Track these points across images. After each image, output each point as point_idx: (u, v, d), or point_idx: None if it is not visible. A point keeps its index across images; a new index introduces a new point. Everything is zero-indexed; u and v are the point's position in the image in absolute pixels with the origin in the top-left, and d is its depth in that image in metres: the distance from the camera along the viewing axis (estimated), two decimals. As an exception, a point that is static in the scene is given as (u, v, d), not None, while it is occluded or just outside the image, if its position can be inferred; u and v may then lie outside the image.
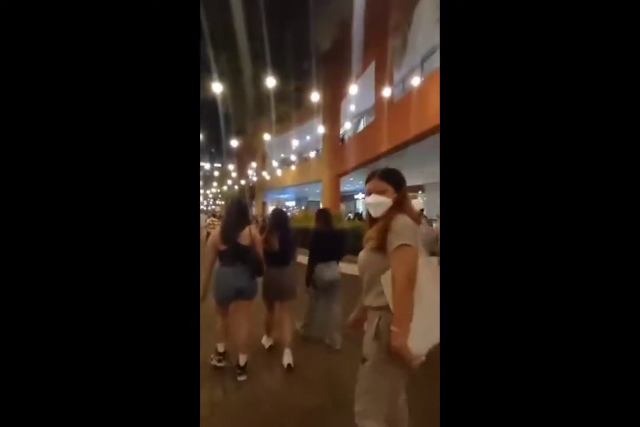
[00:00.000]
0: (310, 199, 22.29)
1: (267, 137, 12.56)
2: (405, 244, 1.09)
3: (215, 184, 23.43)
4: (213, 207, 37.37)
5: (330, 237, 2.81)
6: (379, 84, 8.96)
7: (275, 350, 2.68)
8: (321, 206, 15.99)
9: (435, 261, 1.15)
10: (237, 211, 2.30)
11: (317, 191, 19.47)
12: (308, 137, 16.34)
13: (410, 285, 1.08)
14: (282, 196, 24.70)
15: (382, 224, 1.18)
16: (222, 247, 2.20)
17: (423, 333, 1.07)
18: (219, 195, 28.36)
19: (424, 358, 1.11)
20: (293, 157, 16.47)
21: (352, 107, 11.31)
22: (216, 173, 20.57)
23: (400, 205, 1.21)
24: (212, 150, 22.17)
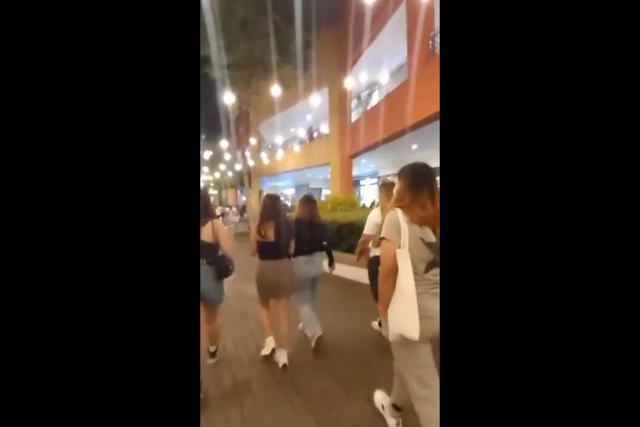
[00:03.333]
0: (312, 185, 20.54)
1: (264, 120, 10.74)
2: (384, 238, 1.29)
3: (206, 169, 21.38)
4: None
5: (315, 227, 2.57)
6: (412, 34, 7.16)
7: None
8: (328, 193, 14.42)
9: (405, 252, 1.26)
10: None
11: (320, 177, 17.81)
12: (308, 117, 14.56)
13: (384, 274, 1.30)
14: (279, 184, 22.90)
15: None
16: None
17: (392, 319, 1.27)
18: (211, 184, 26.39)
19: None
20: (300, 136, 14.58)
21: (366, 75, 9.64)
22: (207, 156, 18.42)
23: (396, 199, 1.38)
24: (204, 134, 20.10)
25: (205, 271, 2.00)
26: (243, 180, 10.22)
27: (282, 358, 2.27)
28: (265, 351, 2.35)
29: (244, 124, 9.70)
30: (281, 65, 7.76)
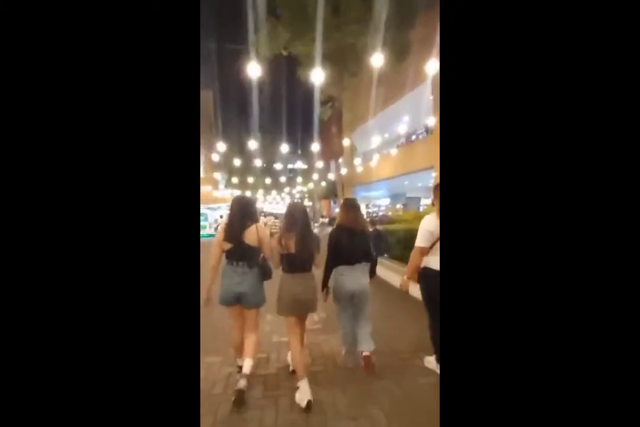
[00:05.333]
0: (409, 194, 18.62)
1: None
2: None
3: (300, 179, 21.52)
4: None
5: (358, 236, 2.29)
6: None
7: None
8: (428, 203, 12.58)
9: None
10: (240, 208, 2.16)
11: (420, 184, 15.88)
12: (405, 118, 13.01)
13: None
14: (372, 193, 21.61)
15: None
16: (226, 247, 2.08)
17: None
18: (306, 195, 26.70)
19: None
20: (398, 136, 13.16)
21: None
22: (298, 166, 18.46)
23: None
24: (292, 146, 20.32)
25: (247, 273, 2.06)
26: (337, 190, 9.30)
27: (303, 394, 1.87)
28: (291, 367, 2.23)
29: (335, 123, 8.84)
30: (375, 52, 6.62)
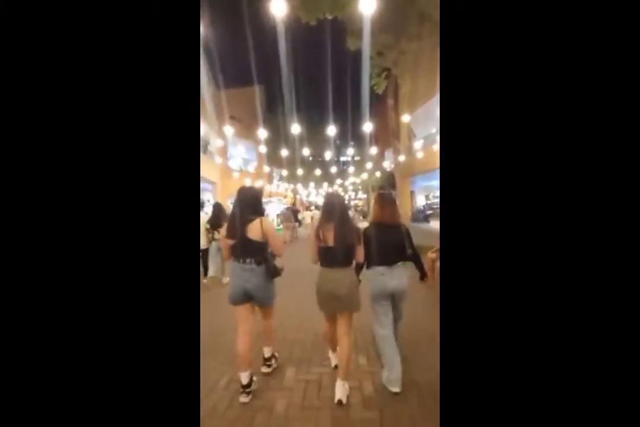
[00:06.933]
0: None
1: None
2: None
3: (352, 168, 20.11)
4: (355, 201, 34.70)
5: (394, 232, 2.16)
6: None
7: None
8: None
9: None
10: (243, 200, 2.04)
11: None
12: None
13: None
14: (434, 183, 19.36)
15: None
16: (231, 242, 2.00)
17: None
18: (359, 187, 25.17)
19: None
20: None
21: None
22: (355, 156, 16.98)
23: None
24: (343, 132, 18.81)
25: (254, 270, 1.95)
26: (393, 180, 7.80)
27: (338, 392, 1.87)
28: (333, 361, 2.22)
29: (392, 98, 7.27)
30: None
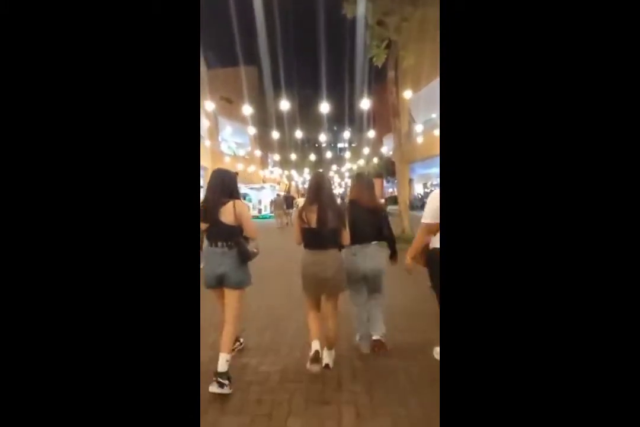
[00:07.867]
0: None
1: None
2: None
3: (348, 154, 19.26)
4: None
5: (371, 212, 2.18)
6: None
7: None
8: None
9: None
10: (215, 183, 1.98)
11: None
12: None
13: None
14: (433, 170, 18.67)
15: None
16: (204, 226, 1.97)
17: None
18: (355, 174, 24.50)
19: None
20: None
21: None
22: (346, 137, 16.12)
23: None
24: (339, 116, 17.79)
25: (225, 254, 1.93)
26: (391, 167, 7.12)
27: (326, 358, 2.02)
28: (312, 357, 1.95)
29: (393, 68, 6.45)
30: None
